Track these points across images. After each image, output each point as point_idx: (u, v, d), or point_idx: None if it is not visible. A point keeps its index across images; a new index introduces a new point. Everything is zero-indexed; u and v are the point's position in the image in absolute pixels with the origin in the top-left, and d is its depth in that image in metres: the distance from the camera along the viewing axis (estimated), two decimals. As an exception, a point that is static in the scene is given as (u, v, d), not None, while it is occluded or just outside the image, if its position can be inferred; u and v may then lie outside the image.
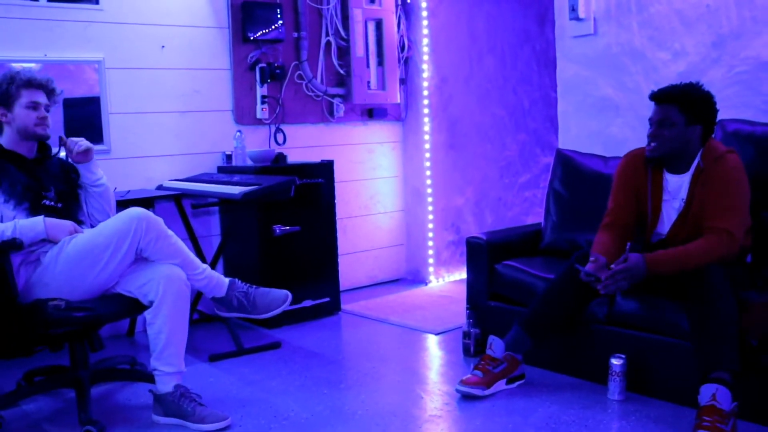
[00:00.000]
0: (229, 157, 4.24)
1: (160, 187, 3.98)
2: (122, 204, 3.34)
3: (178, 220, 3.93)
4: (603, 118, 3.77)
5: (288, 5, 4.46)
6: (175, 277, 2.62)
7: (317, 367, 3.32)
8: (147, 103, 4.01)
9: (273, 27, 4.32)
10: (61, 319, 2.51)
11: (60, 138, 2.82)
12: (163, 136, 4.09)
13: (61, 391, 3.03)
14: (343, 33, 4.68)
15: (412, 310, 4.31)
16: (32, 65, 3.58)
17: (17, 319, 2.50)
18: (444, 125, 5.01)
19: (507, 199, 5.36)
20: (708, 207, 2.64)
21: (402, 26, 4.93)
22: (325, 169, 4.19)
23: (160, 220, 2.65)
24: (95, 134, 3.82)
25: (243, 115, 4.35)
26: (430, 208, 5.01)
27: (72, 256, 2.57)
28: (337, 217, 4.30)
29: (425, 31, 4.89)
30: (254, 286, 2.84)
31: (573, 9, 3.77)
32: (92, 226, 2.82)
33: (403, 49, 4.94)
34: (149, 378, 2.77)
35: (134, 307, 2.66)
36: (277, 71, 4.34)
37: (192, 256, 2.74)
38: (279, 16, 4.34)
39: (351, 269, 4.86)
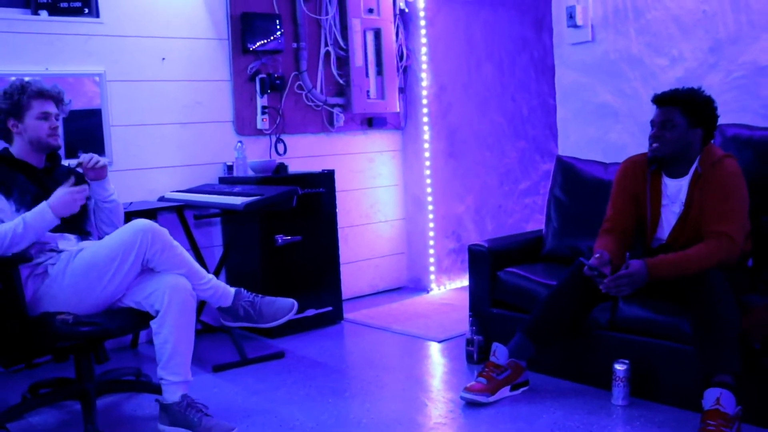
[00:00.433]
0: (230, 168, 4.26)
1: (162, 199, 4.00)
2: (125, 216, 3.36)
3: (180, 231, 3.95)
4: (602, 125, 3.79)
5: (287, 16, 4.48)
6: (180, 287, 2.62)
7: (321, 376, 3.33)
8: (148, 115, 4.03)
9: (272, 38, 4.35)
10: (68, 334, 2.51)
11: (78, 157, 2.81)
12: (165, 148, 4.11)
13: (67, 403, 3.04)
14: (342, 43, 4.70)
15: (414, 318, 4.32)
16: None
17: (25, 331, 2.51)
18: (443, 133, 5.03)
19: (507, 206, 5.37)
20: (707, 212, 2.66)
21: (400, 35, 4.96)
22: (326, 178, 4.21)
23: (165, 231, 2.67)
24: (97, 147, 3.83)
25: (243, 125, 4.37)
26: (431, 216, 5.02)
27: (79, 269, 2.58)
28: (338, 226, 4.31)
29: (423, 40, 4.92)
30: (260, 296, 2.85)
31: (571, 16, 3.79)
32: (99, 238, 2.83)
33: (401, 58, 4.97)
34: (154, 389, 2.77)
35: (141, 321, 2.67)
36: (277, 82, 4.36)
37: (198, 266, 2.75)
38: (278, 26, 4.36)
39: (353, 278, 4.87)
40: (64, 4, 3.75)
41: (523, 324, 2.95)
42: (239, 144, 4.17)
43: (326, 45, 4.66)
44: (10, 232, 2.50)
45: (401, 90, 5.02)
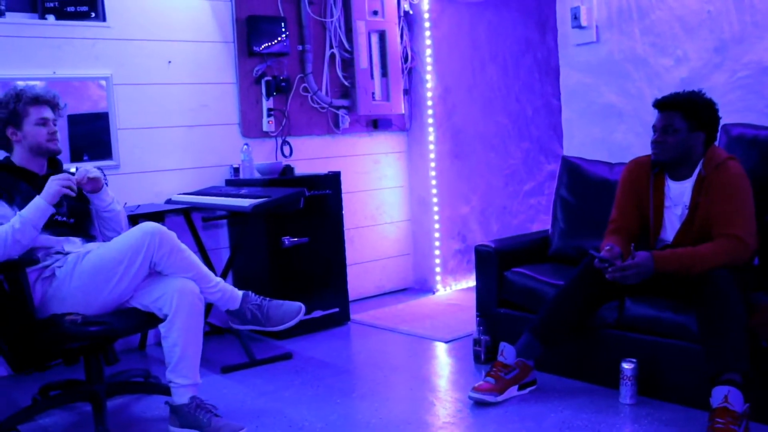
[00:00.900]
0: (236, 170, 4.27)
1: (169, 201, 4.02)
2: (132, 219, 3.38)
3: (187, 233, 3.96)
4: (607, 125, 3.80)
5: (292, 19, 4.50)
6: (188, 290, 2.64)
7: (329, 377, 3.34)
8: (155, 119, 4.05)
9: (278, 40, 4.36)
10: (77, 334, 2.52)
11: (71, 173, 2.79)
12: (171, 151, 4.13)
13: (77, 405, 3.06)
14: (347, 45, 4.72)
15: (420, 318, 4.33)
16: (38, 83, 3.61)
17: (34, 334, 2.52)
18: (448, 134, 5.05)
19: (512, 207, 5.38)
20: (714, 215, 2.66)
21: (405, 37, 4.97)
22: (332, 180, 4.22)
23: (173, 235, 2.68)
24: (104, 150, 3.86)
25: (249, 128, 4.39)
26: (436, 217, 5.03)
27: (87, 272, 2.59)
28: (344, 228, 4.33)
29: (428, 42, 4.93)
30: (267, 299, 2.87)
31: (575, 17, 3.81)
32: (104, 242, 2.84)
33: (406, 60, 4.98)
34: (164, 390, 2.79)
35: (149, 320, 2.68)
36: (283, 84, 4.38)
37: (205, 269, 2.76)
38: (283, 29, 4.38)
39: (359, 279, 4.88)
40: (71, 9, 3.77)
41: (530, 324, 2.96)
42: (245, 146, 4.19)
43: (331, 47, 4.67)
44: (9, 230, 2.51)
45: (406, 91, 5.03)
